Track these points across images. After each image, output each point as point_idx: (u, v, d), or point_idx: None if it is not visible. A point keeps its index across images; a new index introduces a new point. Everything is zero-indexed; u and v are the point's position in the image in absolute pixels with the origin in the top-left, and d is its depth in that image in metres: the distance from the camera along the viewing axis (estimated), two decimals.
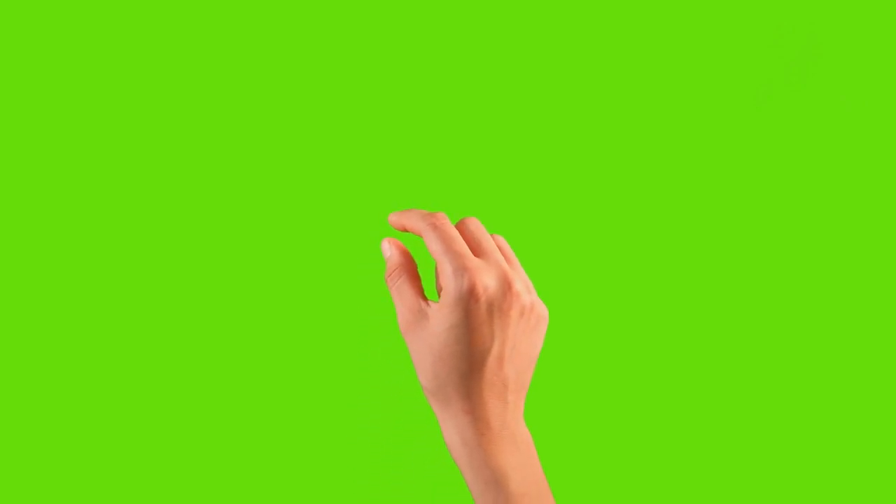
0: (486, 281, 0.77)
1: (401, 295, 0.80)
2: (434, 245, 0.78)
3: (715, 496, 1.32)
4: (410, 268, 0.81)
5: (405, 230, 0.83)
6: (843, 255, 1.35)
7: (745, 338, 1.34)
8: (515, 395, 0.79)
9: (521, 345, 0.79)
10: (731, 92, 1.36)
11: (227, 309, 1.30)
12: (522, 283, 0.79)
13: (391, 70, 1.34)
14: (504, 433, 0.77)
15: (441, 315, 0.77)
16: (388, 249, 0.83)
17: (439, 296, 0.81)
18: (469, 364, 0.77)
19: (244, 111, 1.33)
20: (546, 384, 1.20)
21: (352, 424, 1.30)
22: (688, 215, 1.35)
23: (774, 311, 1.34)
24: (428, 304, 0.79)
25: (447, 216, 0.80)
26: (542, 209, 1.35)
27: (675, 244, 1.35)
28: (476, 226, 0.81)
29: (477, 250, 0.80)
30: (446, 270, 0.77)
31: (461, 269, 0.77)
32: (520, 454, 0.78)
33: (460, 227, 0.82)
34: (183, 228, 1.31)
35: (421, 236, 0.80)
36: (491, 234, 0.83)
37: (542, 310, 0.80)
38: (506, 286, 0.78)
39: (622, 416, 1.32)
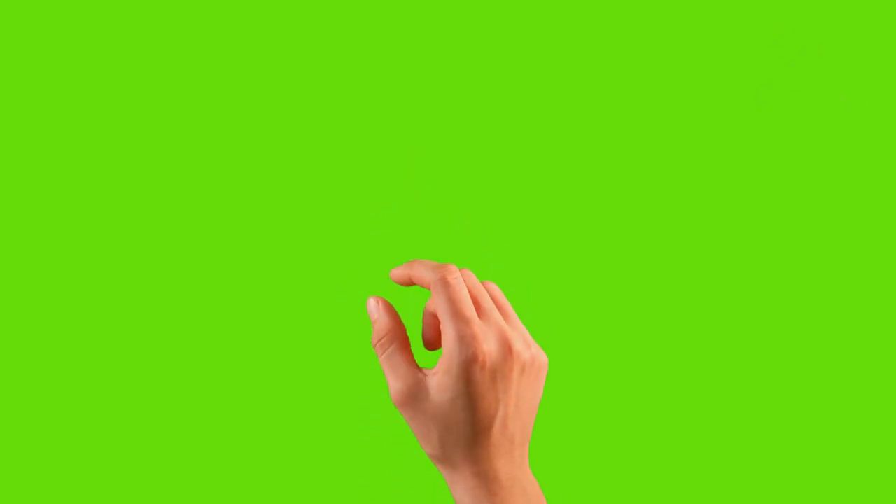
0: (487, 347, 0.76)
1: (393, 367, 0.78)
2: (442, 305, 0.77)
3: None
4: (401, 334, 0.79)
5: (411, 283, 0.81)
6: (842, 256, 1.34)
7: (744, 346, 1.33)
8: (521, 449, 0.79)
9: (524, 401, 0.79)
10: (730, 92, 1.35)
11: (227, 314, 1.30)
12: (521, 340, 0.79)
13: (384, 79, 1.33)
14: (514, 488, 0.77)
15: (443, 385, 0.76)
16: (376, 311, 0.80)
17: (428, 346, 0.80)
18: (475, 430, 0.76)
19: (240, 118, 1.32)
20: (549, 399, 1.20)
21: (355, 431, 1.30)
22: (686, 218, 1.34)
23: (772, 319, 1.34)
24: (424, 375, 0.77)
25: (456, 269, 0.78)
26: (538, 216, 1.34)
27: (673, 247, 1.34)
28: (472, 282, 0.79)
29: (475, 309, 0.79)
30: (449, 334, 0.76)
31: (466, 337, 0.76)
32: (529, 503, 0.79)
33: None
34: (183, 242, 1.31)
35: (430, 290, 0.78)
36: (483, 282, 0.81)
37: (542, 358, 0.80)
38: (506, 349, 0.77)
39: (624, 430, 1.32)
